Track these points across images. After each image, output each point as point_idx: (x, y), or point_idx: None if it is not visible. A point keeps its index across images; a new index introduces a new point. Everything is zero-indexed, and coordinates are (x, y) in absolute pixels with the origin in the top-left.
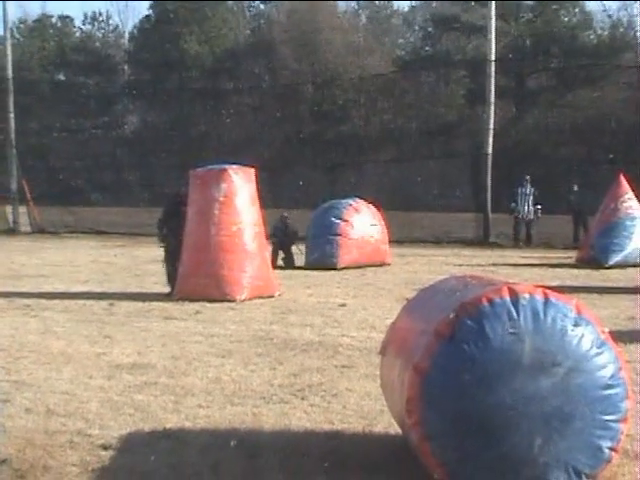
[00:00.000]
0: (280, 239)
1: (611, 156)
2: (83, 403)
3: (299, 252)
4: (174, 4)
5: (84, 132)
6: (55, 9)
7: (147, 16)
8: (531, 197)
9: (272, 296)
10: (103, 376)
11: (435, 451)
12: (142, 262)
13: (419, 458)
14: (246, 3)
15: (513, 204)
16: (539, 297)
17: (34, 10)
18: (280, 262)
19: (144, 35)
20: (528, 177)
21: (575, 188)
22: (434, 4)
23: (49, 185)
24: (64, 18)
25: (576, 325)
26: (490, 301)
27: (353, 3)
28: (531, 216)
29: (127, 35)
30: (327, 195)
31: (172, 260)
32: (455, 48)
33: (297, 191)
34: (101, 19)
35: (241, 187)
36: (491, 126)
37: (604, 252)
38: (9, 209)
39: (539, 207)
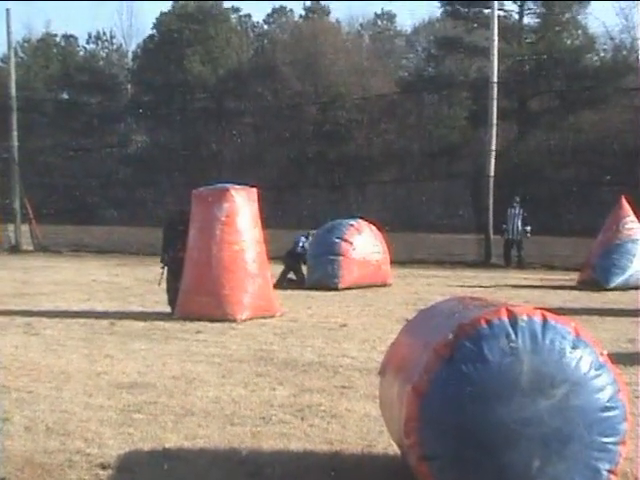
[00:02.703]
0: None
1: (608, 177)
2: (82, 422)
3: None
4: (178, 24)
5: (87, 151)
6: (59, 28)
7: (151, 36)
8: (520, 218)
9: (273, 316)
10: (103, 395)
11: (433, 472)
12: (144, 281)
13: (418, 478)
14: (250, 23)
15: (504, 226)
16: (537, 319)
17: (38, 29)
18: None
19: (147, 55)
20: (517, 198)
21: None
22: (437, 26)
23: (51, 203)
24: (68, 37)
25: (574, 347)
26: (488, 322)
27: (356, 24)
28: (519, 236)
29: (130, 55)
30: (330, 215)
31: (173, 280)
32: (458, 70)
33: (300, 211)
34: (105, 38)
35: (243, 207)
36: (493, 147)
37: (605, 274)
38: (11, 227)
39: (528, 228)
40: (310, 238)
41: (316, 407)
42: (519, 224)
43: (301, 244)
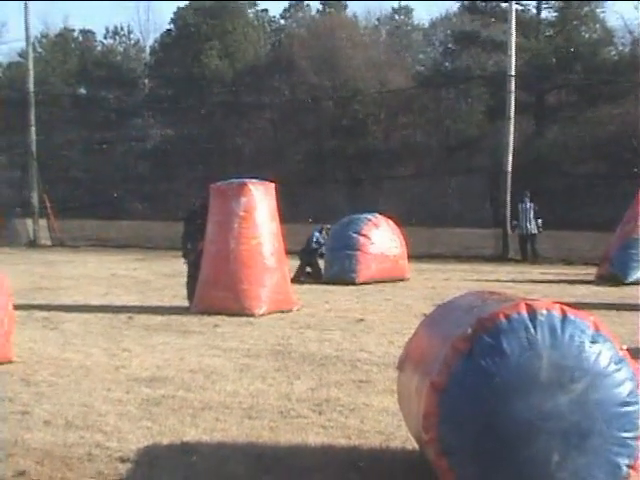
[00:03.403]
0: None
1: (635, 170)
2: (101, 416)
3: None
4: (195, 19)
5: (107, 145)
6: (77, 23)
7: (168, 30)
8: (531, 212)
9: (291, 310)
10: (121, 389)
11: (452, 466)
12: (162, 276)
13: (436, 474)
14: (267, 18)
15: (515, 222)
16: (557, 313)
17: (56, 24)
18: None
19: (165, 49)
20: (528, 192)
21: None
22: (454, 20)
23: (69, 198)
24: (86, 32)
25: (594, 342)
26: (507, 317)
27: (373, 19)
28: (534, 231)
29: (148, 49)
30: (347, 210)
31: (193, 274)
32: (475, 64)
33: (318, 206)
34: (122, 33)
35: (261, 201)
36: (511, 142)
37: (623, 269)
38: (29, 222)
39: (539, 221)
40: (324, 233)
41: (334, 401)
42: (531, 218)
43: (315, 239)
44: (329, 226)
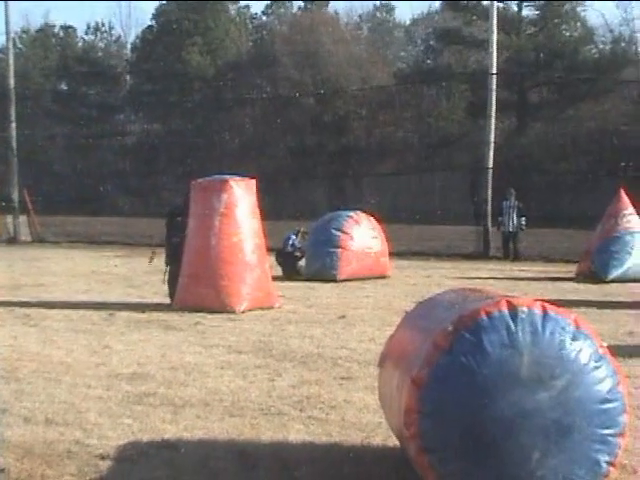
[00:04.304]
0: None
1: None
2: (82, 413)
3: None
4: (177, 15)
5: (85, 142)
6: (58, 19)
7: (149, 27)
8: (515, 210)
9: (272, 307)
10: (102, 386)
11: (433, 463)
12: (142, 272)
13: (417, 470)
14: (248, 14)
15: (500, 218)
16: (537, 311)
17: (37, 20)
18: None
19: (146, 46)
20: (512, 190)
21: None
22: (436, 17)
23: (52, 194)
24: (67, 28)
25: (574, 339)
26: (488, 314)
27: (355, 16)
28: (516, 229)
29: (129, 45)
30: (329, 207)
31: (174, 270)
32: (457, 61)
33: (299, 203)
34: (104, 29)
35: (242, 198)
36: (492, 139)
37: (604, 267)
38: (9, 218)
39: (523, 219)
40: (300, 237)
41: (315, 398)
42: (514, 216)
43: (290, 242)
44: (305, 230)
